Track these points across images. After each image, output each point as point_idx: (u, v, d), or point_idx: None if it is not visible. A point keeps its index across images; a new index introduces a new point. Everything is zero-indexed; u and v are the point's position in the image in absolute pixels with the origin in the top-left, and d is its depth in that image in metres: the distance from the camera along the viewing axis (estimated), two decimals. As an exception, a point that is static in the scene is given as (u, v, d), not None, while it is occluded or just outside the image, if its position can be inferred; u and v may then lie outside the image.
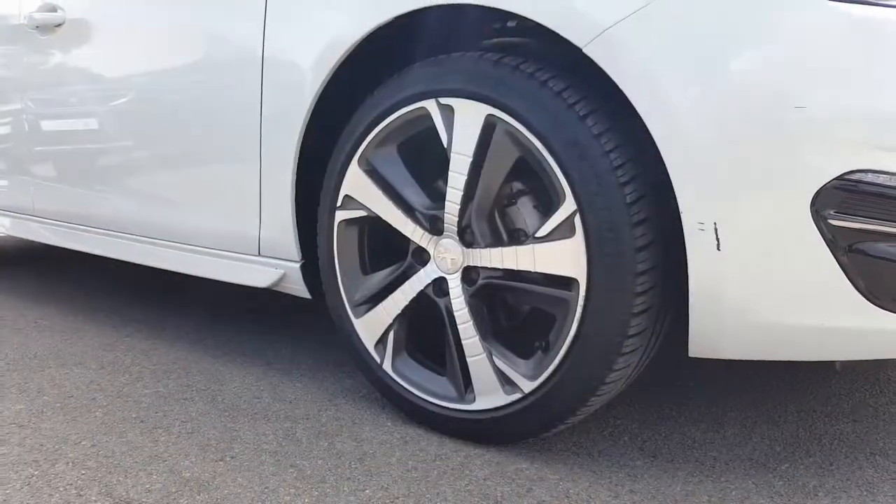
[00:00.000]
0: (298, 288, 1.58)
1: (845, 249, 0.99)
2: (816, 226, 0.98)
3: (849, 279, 0.99)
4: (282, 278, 1.58)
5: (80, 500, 1.13)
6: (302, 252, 1.55)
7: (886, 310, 0.99)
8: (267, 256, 1.60)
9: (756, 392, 1.55)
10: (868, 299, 0.99)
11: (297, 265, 1.55)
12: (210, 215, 1.69)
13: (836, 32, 0.97)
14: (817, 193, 0.97)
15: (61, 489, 1.16)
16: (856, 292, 0.99)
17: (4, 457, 1.27)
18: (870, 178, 0.97)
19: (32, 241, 2.46)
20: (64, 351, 1.87)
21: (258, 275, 1.62)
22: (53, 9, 2.09)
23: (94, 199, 2.05)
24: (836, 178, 0.97)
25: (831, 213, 0.98)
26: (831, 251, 0.99)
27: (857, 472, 1.21)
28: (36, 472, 1.22)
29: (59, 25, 2.07)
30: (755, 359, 1.09)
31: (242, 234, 1.61)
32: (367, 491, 1.14)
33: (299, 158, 1.48)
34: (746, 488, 1.16)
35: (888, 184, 0.97)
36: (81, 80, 2.05)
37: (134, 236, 1.92)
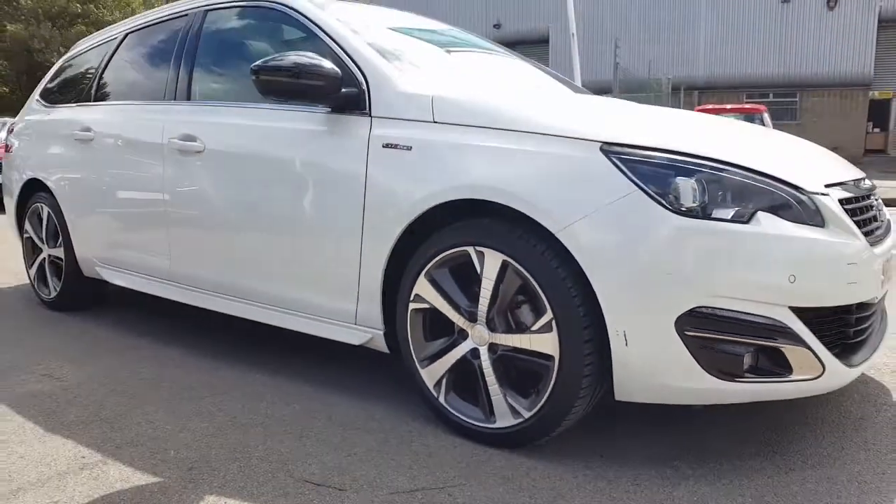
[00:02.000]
0: (381, 346, 2.46)
1: (695, 346, 1.87)
2: (678, 335, 1.86)
3: (696, 362, 1.87)
4: (370, 340, 2.46)
5: (275, 479, 2.00)
6: (385, 323, 2.43)
7: (715, 377, 1.87)
8: (361, 325, 2.48)
9: (668, 422, 2.42)
10: (706, 371, 1.87)
11: (381, 332, 2.43)
12: (326, 298, 2.54)
13: (694, 235, 1.84)
14: (678, 318, 1.85)
15: (261, 473, 2.04)
16: (700, 368, 1.87)
17: (217, 455, 2.15)
18: (708, 311, 1.85)
19: (147, 295, 3.32)
20: (209, 384, 2.73)
21: (354, 336, 2.49)
22: (193, 138, 2.96)
23: (230, 277, 2.89)
24: (688, 311, 1.85)
25: (687, 328, 1.85)
26: (686, 347, 1.86)
27: (707, 464, 2.07)
28: (241, 464, 2.09)
29: (199, 151, 2.95)
30: (652, 402, 1.97)
31: (347, 310, 2.48)
32: (438, 473, 2.03)
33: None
34: (639, 471, 2.03)
35: (716, 314, 1.85)
36: (216, 188, 2.88)
37: (262, 304, 2.80)
